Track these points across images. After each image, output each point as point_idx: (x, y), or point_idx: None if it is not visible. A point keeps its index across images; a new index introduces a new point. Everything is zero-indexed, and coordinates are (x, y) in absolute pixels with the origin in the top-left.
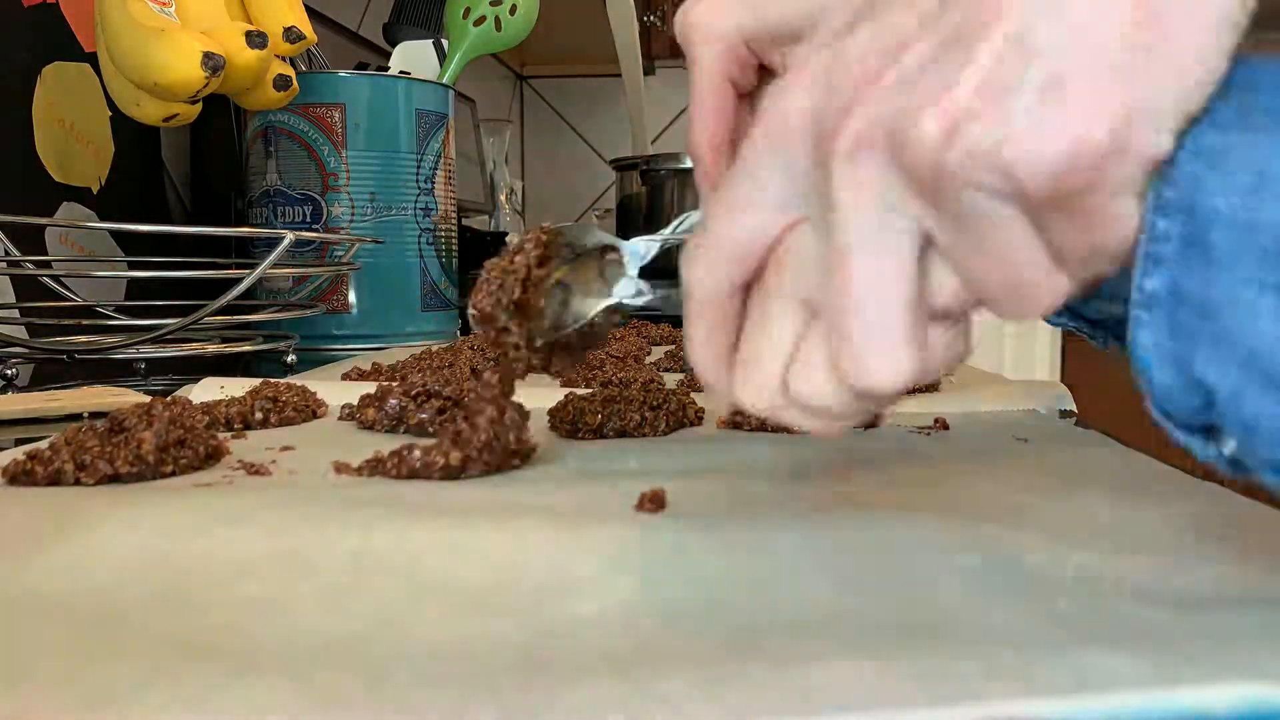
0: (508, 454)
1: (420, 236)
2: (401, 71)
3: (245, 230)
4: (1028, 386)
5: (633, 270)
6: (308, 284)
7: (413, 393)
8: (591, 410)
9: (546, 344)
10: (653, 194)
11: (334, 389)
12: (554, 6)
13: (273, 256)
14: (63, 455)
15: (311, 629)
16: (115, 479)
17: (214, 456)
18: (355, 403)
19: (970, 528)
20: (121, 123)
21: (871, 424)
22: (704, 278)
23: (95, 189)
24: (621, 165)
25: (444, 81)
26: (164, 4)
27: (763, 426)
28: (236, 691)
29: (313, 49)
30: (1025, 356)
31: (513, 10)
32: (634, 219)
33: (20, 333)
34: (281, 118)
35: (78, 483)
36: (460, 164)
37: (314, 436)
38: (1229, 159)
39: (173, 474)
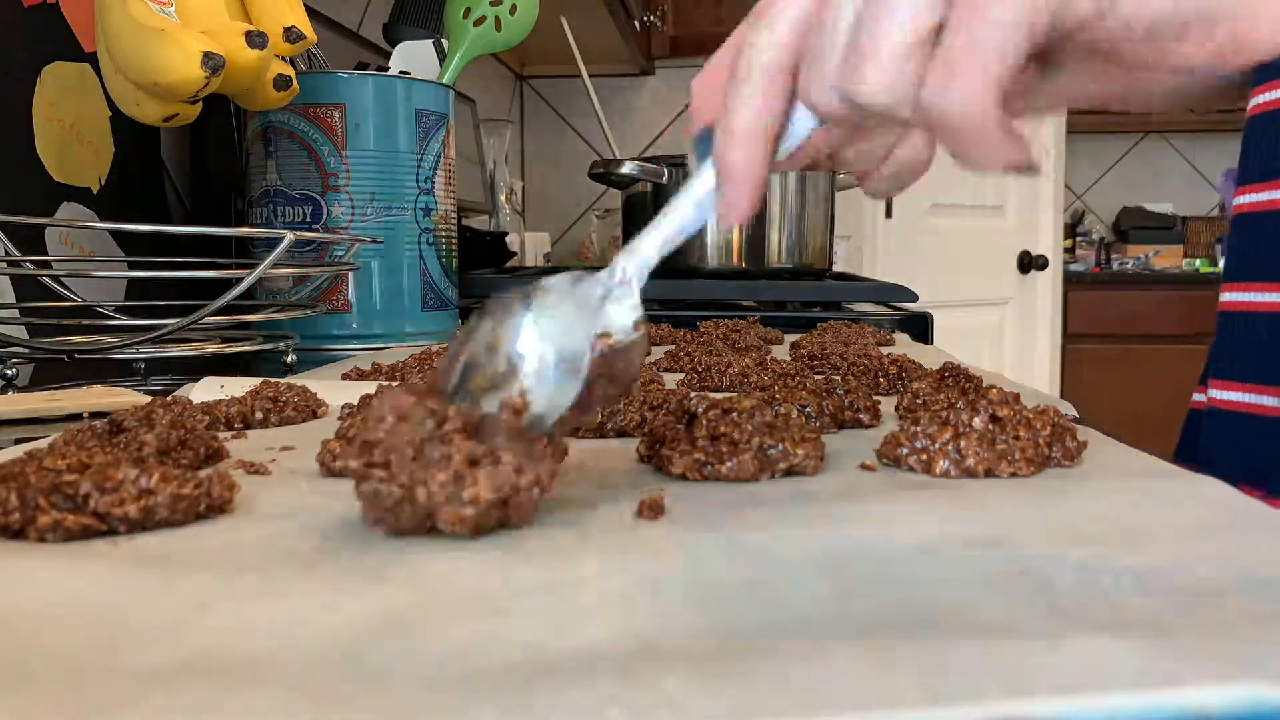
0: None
1: (420, 236)
2: (401, 71)
3: (245, 230)
4: (1030, 397)
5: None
6: (308, 284)
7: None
8: None
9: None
10: (659, 192)
11: (334, 389)
12: (554, 6)
13: (273, 256)
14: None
15: (311, 630)
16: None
17: (214, 457)
18: (355, 403)
19: (970, 526)
20: (121, 123)
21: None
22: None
23: (95, 189)
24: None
25: (444, 81)
26: (164, 4)
27: None
28: (236, 692)
29: (313, 49)
30: (1026, 360)
31: (513, 10)
32: (640, 215)
33: (20, 333)
34: (281, 118)
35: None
36: (460, 164)
37: (314, 436)
38: None
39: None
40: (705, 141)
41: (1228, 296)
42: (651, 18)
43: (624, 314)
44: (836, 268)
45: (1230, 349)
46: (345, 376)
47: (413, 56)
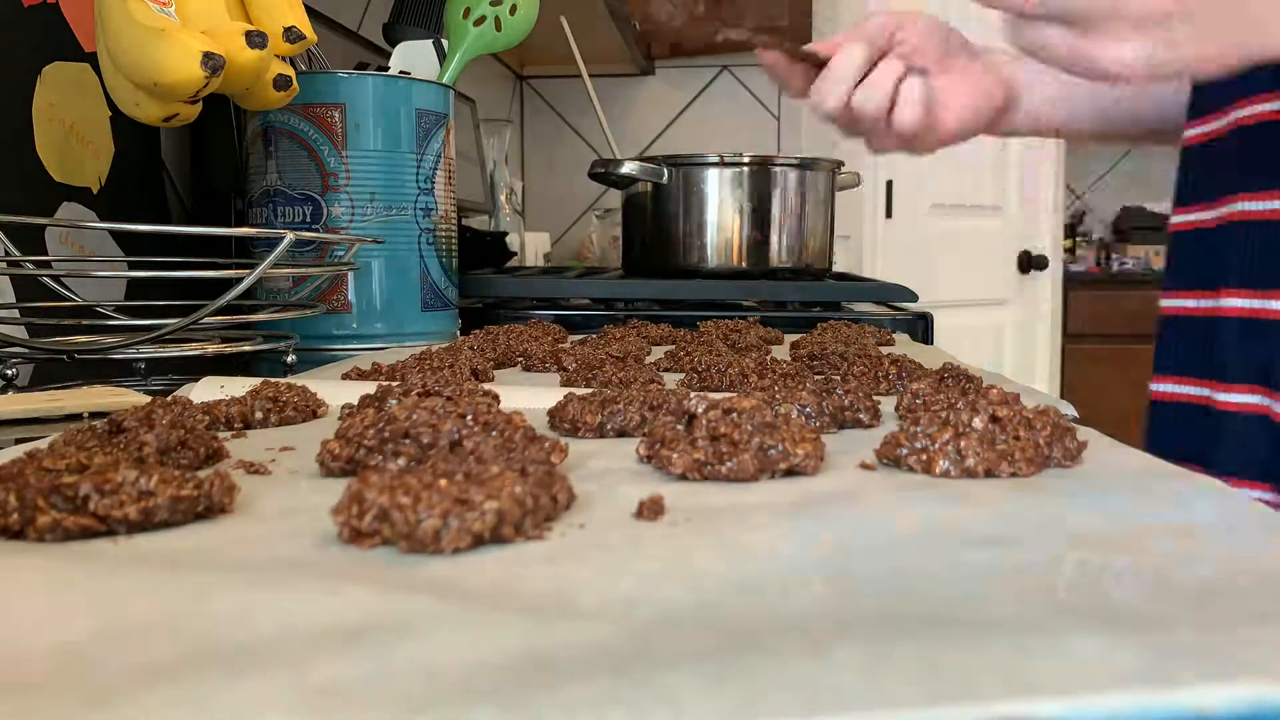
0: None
1: (420, 236)
2: (401, 71)
3: (245, 230)
4: (1029, 396)
5: None
6: (308, 284)
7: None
8: (591, 410)
9: None
10: (659, 192)
11: (334, 389)
12: (554, 6)
13: (273, 256)
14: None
15: (311, 625)
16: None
17: (214, 457)
18: (355, 403)
19: (970, 526)
20: (121, 123)
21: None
22: None
23: (95, 189)
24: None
25: (444, 81)
26: (164, 4)
27: None
28: (235, 689)
29: (313, 49)
30: (1026, 360)
31: (513, 10)
32: (640, 216)
33: (20, 333)
34: (281, 118)
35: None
36: (460, 164)
37: (314, 436)
38: None
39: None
40: None
41: (1166, 303)
42: None
43: None
44: (836, 268)
45: (1166, 348)
46: (345, 376)
47: (413, 56)
